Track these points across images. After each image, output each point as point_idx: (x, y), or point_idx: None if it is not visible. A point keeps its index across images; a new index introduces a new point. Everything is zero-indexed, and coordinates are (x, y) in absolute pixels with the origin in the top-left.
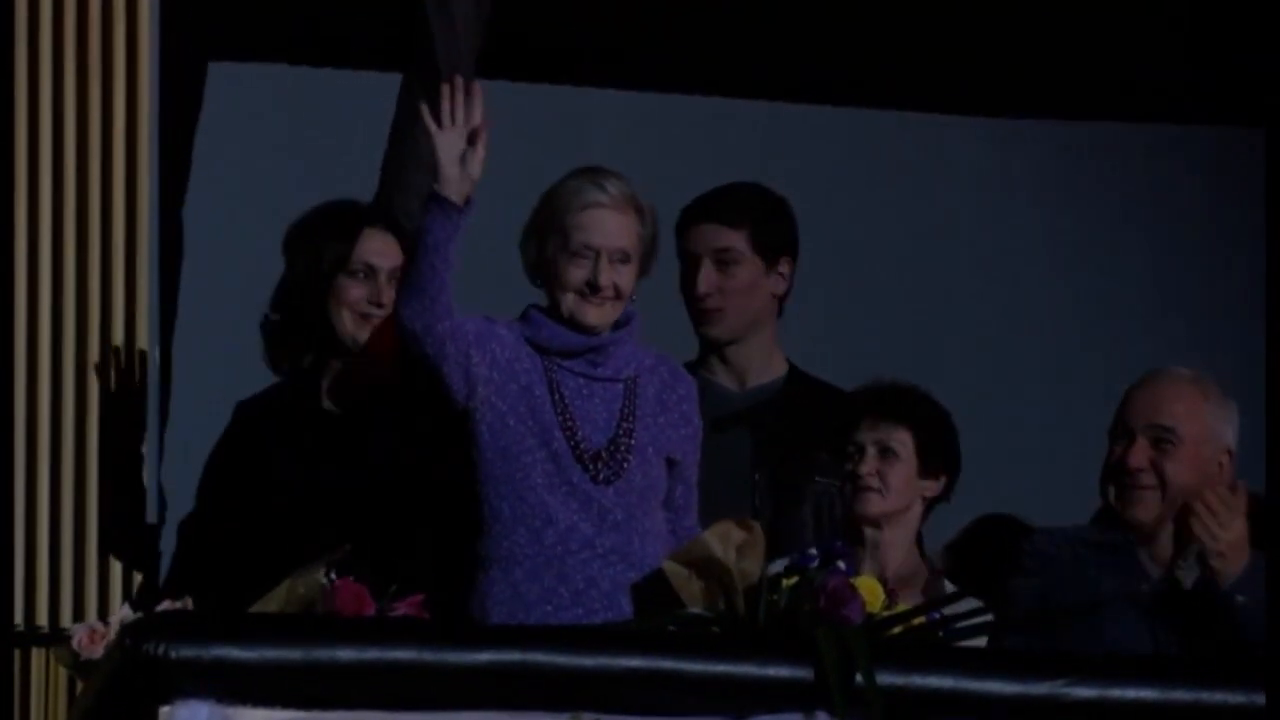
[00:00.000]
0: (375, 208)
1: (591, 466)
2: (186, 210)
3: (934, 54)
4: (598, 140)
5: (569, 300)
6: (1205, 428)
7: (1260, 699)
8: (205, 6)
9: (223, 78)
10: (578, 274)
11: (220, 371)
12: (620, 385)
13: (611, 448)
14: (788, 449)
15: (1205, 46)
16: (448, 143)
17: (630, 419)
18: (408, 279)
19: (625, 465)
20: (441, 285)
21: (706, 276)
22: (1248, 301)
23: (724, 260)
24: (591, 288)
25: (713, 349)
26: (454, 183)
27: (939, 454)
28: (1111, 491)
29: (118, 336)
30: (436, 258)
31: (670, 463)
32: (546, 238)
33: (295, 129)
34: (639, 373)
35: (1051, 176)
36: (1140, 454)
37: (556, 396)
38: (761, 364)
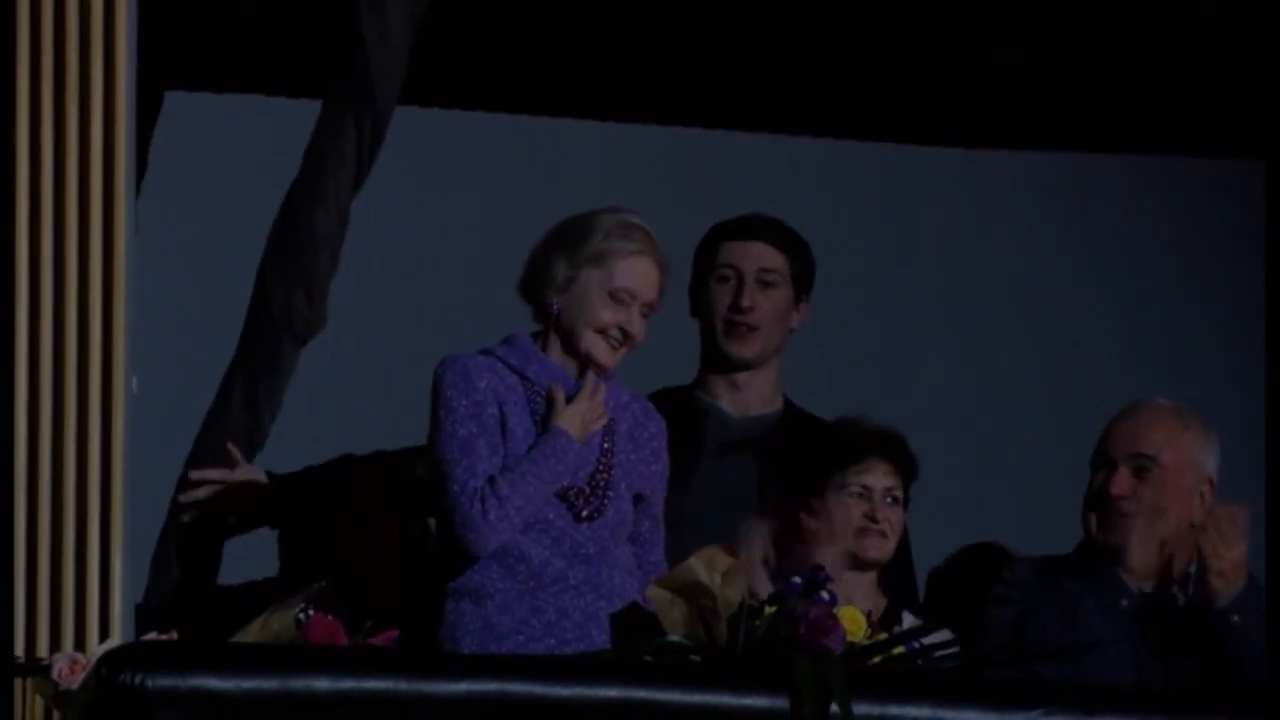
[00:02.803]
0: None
1: (575, 503)
2: (139, 237)
3: (917, 84)
4: (573, 171)
5: (589, 337)
6: (1186, 456)
7: None
8: (162, 36)
9: (178, 106)
10: (612, 316)
11: (177, 400)
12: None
13: (592, 484)
14: (788, 478)
15: (1201, 76)
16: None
17: (609, 455)
18: (504, 514)
19: (605, 502)
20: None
21: (751, 292)
22: (1231, 332)
23: (766, 281)
24: (624, 334)
25: (726, 372)
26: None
27: (907, 504)
28: (1093, 519)
29: (96, 366)
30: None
31: (638, 498)
32: (583, 267)
33: (248, 158)
34: (614, 409)
35: (1041, 207)
36: (1122, 482)
37: (540, 431)
38: (765, 395)
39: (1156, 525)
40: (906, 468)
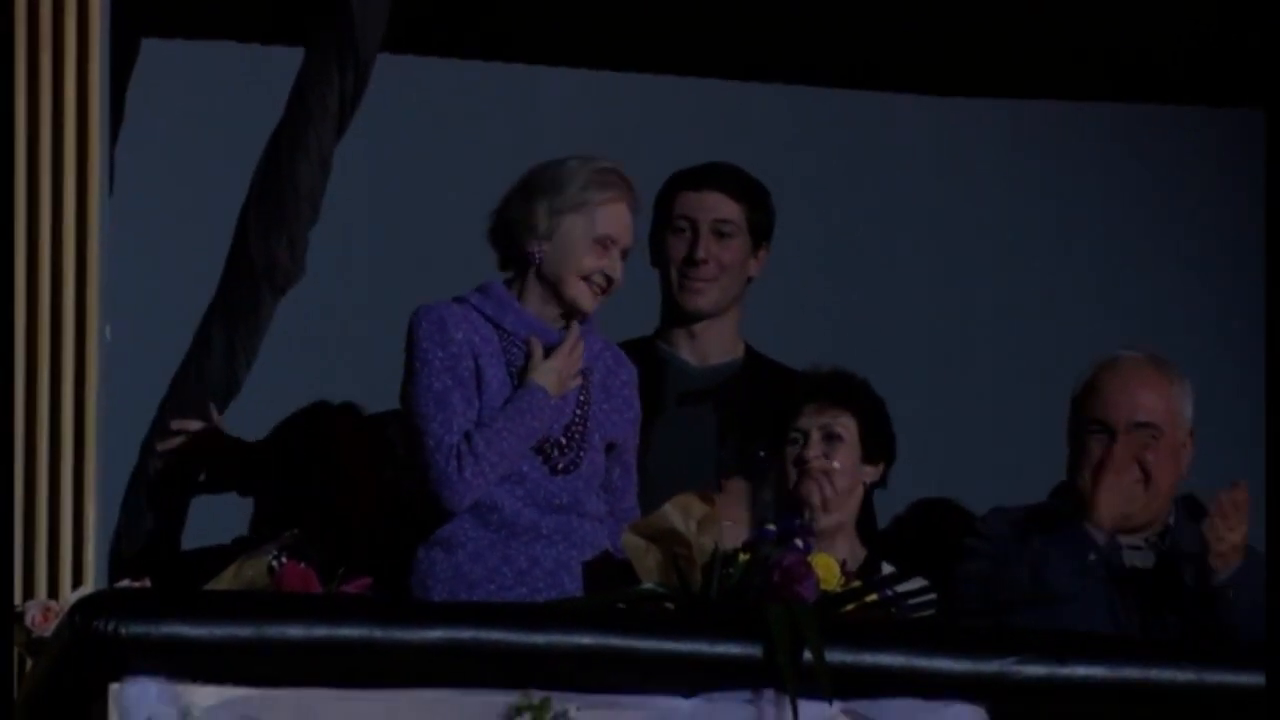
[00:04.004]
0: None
1: (552, 455)
2: (115, 186)
3: (904, 31)
4: (551, 119)
5: (574, 284)
6: (1176, 413)
7: (1211, 677)
8: None
9: (154, 54)
10: (595, 262)
11: (152, 349)
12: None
13: (568, 436)
14: (750, 426)
15: (1201, 24)
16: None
17: (585, 407)
18: (480, 467)
19: (580, 454)
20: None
21: (706, 244)
22: (1210, 285)
23: (722, 231)
24: (608, 280)
25: (684, 322)
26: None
27: (879, 440)
28: (1091, 488)
29: (70, 316)
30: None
31: (610, 446)
32: (564, 214)
33: (224, 106)
34: (587, 358)
35: (1037, 157)
36: (1125, 452)
37: (516, 383)
38: (725, 344)
39: (1153, 488)
40: (846, 402)
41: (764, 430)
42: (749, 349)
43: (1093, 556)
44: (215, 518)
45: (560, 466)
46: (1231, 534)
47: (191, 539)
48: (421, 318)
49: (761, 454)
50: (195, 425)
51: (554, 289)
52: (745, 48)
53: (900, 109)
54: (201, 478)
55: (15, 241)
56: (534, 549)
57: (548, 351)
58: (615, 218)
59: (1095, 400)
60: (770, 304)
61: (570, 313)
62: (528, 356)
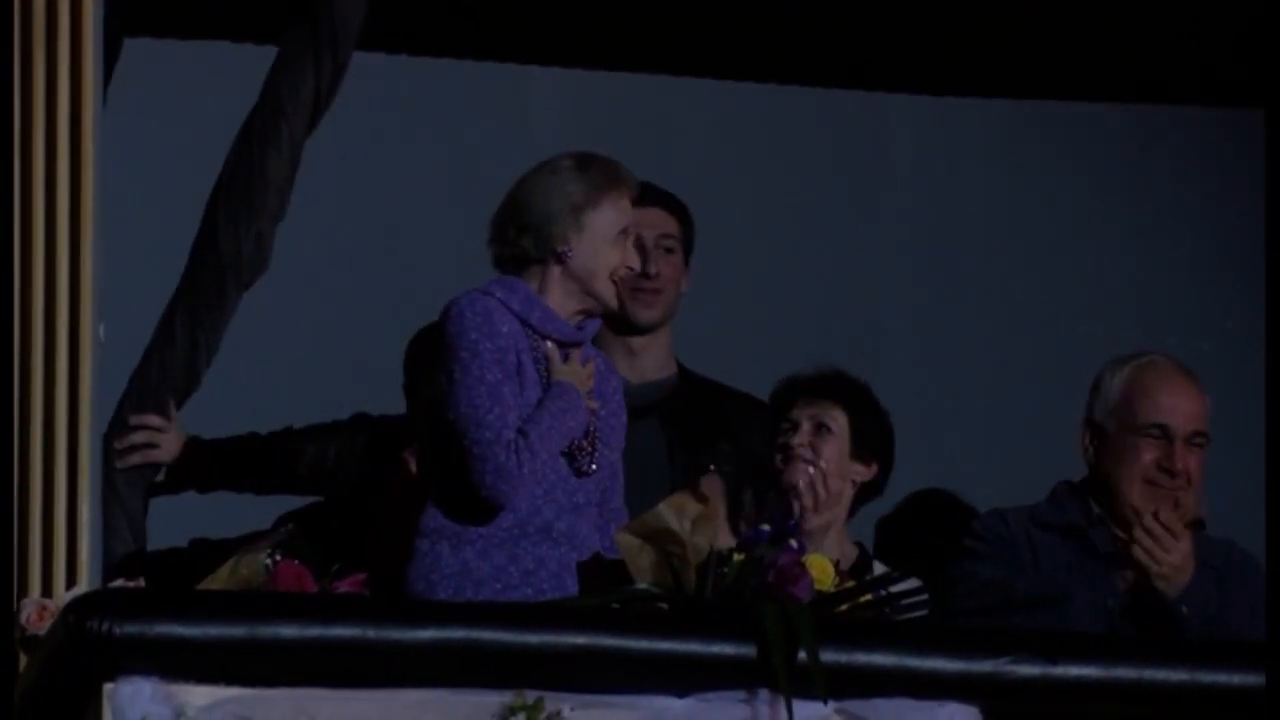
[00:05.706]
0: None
1: (578, 458)
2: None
3: (902, 31)
4: (524, 119)
5: (602, 280)
6: (1208, 420)
7: (1204, 676)
8: None
9: (135, 53)
10: (621, 257)
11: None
12: None
13: (589, 439)
14: (690, 443)
15: (1199, 24)
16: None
17: (596, 413)
18: (524, 459)
19: (596, 457)
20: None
21: (656, 257)
22: (1210, 285)
23: (666, 247)
24: (629, 271)
25: (627, 334)
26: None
27: (872, 439)
28: (1139, 489)
29: (64, 315)
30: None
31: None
32: (584, 210)
33: (205, 106)
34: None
35: (1034, 158)
36: (1183, 457)
37: (545, 382)
38: (661, 361)
39: (1189, 496)
40: (837, 395)
41: (709, 444)
42: (682, 367)
43: (1111, 602)
44: (213, 517)
45: (584, 468)
46: (1168, 555)
47: (182, 536)
48: (465, 308)
49: (710, 468)
50: (154, 421)
51: (581, 285)
52: (743, 48)
53: (898, 109)
54: (160, 476)
55: (11, 240)
56: (540, 549)
57: (560, 342)
58: (628, 209)
59: (1148, 404)
60: (769, 302)
61: (593, 308)
62: (547, 359)
